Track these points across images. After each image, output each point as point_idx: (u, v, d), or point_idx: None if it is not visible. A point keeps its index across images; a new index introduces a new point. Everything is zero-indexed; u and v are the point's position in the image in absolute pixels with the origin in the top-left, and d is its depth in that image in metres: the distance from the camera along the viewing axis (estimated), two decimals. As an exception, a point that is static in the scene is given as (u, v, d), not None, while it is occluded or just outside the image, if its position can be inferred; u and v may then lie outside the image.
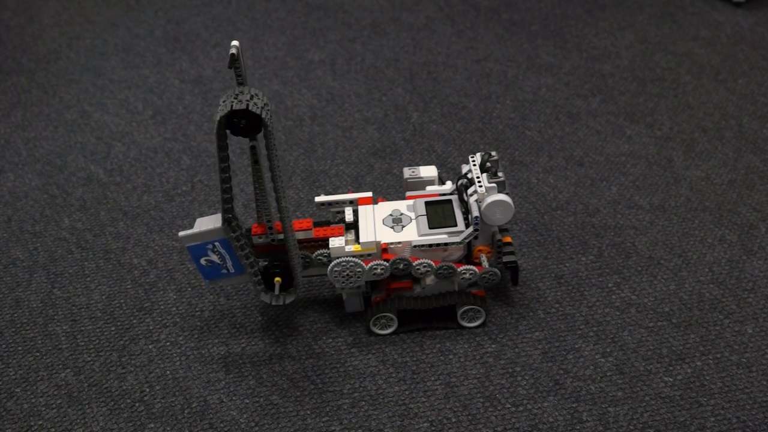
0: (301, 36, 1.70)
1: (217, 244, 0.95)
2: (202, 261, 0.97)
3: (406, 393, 0.97)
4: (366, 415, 0.95)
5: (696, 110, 1.43)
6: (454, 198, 1.03)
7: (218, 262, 0.97)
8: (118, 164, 1.37)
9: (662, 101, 1.46)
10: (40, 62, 1.66)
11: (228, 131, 0.88)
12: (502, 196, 0.96)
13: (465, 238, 0.99)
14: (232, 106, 0.85)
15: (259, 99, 0.87)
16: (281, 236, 1.01)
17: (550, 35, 1.66)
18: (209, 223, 0.95)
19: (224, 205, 0.93)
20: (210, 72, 1.60)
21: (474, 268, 1.00)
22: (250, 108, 0.85)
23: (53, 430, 0.95)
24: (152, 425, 0.95)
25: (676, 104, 1.45)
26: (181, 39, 1.71)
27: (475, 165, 1.00)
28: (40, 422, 0.96)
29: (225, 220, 0.93)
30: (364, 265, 0.98)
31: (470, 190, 1.00)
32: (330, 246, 0.99)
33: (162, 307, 1.10)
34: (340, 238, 1.00)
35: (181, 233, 0.94)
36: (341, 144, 1.39)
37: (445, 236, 0.99)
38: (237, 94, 0.87)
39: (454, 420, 0.94)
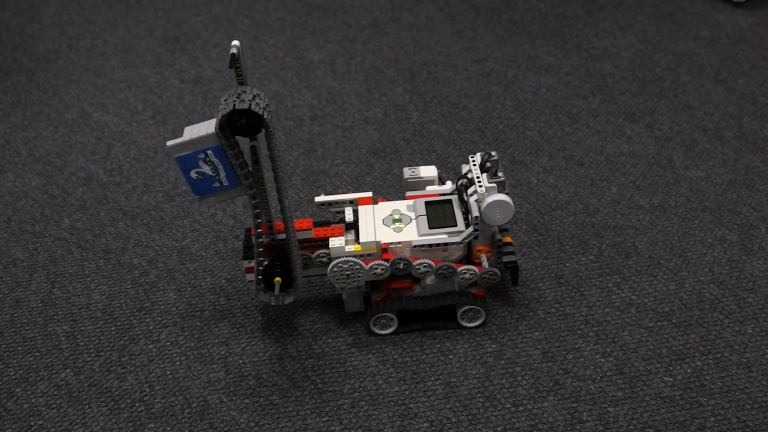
0: (301, 36, 1.70)
1: (209, 152, 0.87)
2: (193, 174, 0.89)
3: (406, 393, 0.97)
4: (366, 415, 0.95)
5: (696, 110, 1.43)
6: (454, 198, 1.03)
7: (210, 174, 0.89)
8: (118, 164, 1.37)
9: (662, 101, 1.46)
10: (40, 62, 1.66)
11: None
12: (502, 196, 0.96)
13: (465, 238, 0.99)
14: (234, 105, 0.85)
15: (255, 96, 0.87)
16: (282, 236, 1.01)
17: (550, 35, 1.66)
18: (201, 129, 0.88)
19: (250, 196, 0.90)
20: (210, 72, 1.60)
21: (474, 268, 1.00)
22: (237, 107, 0.85)
23: (53, 430, 0.95)
24: (152, 425, 0.95)
25: (676, 104, 1.45)
26: (181, 39, 1.71)
27: (475, 165, 1.00)
28: (40, 422, 0.96)
29: (220, 126, 0.86)
30: (364, 265, 0.98)
31: (470, 190, 1.00)
32: (330, 246, 0.99)
33: (162, 307, 1.10)
34: (340, 238, 1.00)
35: (169, 143, 0.87)
36: (341, 144, 1.39)
37: (445, 236, 0.99)
38: (239, 94, 0.87)
39: (454, 420, 0.94)
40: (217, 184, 0.91)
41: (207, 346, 1.04)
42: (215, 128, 0.86)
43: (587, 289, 1.09)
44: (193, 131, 0.88)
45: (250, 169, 0.92)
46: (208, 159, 0.88)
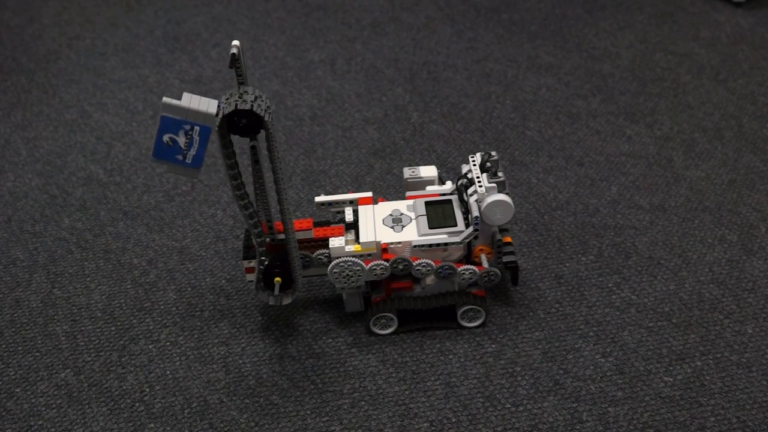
0: (301, 36, 1.70)
1: (197, 128, 0.85)
2: (166, 137, 0.85)
3: (406, 393, 0.97)
4: (366, 415, 0.95)
5: (696, 110, 1.43)
6: (454, 198, 1.03)
7: (181, 146, 0.86)
8: (118, 164, 1.37)
9: (662, 101, 1.46)
10: (40, 62, 1.66)
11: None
12: (502, 196, 0.96)
13: (465, 238, 0.99)
14: (236, 105, 0.85)
15: (257, 98, 0.87)
16: (281, 236, 1.01)
17: (550, 35, 1.66)
18: (202, 104, 0.86)
19: (242, 208, 0.91)
20: (210, 72, 1.60)
21: (474, 268, 1.00)
22: (239, 107, 0.85)
23: (53, 430, 0.95)
24: (152, 425, 0.95)
25: (676, 104, 1.45)
26: (181, 39, 1.71)
27: (475, 165, 1.00)
28: (40, 422, 0.96)
29: (219, 125, 0.86)
30: (364, 265, 0.98)
31: (470, 190, 1.00)
32: (330, 246, 0.99)
33: (162, 307, 1.10)
34: (340, 238, 1.00)
35: (166, 99, 0.84)
36: (341, 144, 1.39)
37: (445, 236, 0.99)
38: (241, 95, 0.87)
39: (454, 420, 0.94)
40: (179, 157, 0.87)
41: (207, 346, 1.04)
42: (215, 113, 0.86)
43: (587, 289, 1.09)
44: (193, 101, 0.85)
45: (236, 162, 0.91)
46: (189, 133, 0.86)
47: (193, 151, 0.87)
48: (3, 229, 1.25)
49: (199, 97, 0.86)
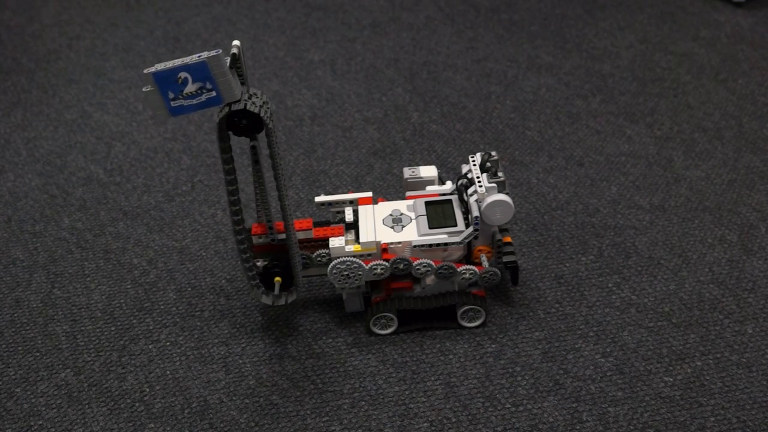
0: (301, 36, 1.70)
1: (213, 94, 0.85)
2: (184, 74, 0.84)
3: (406, 393, 0.97)
4: (366, 415, 0.95)
5: (696, 110, 1.43)
6: (454, 198, 1.03)
7: (185, 92, 0.85)
8: (118, 164, 1.37)
9: (662, 101, 1.46)
10: (40, 62, 1.66)
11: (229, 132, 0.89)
12: (502, 196, 0.96)
13: (465, 238, 0.99)
14: (230, 107, 0.85)
15: (258, 98, 0.87)
16: (281, 236, 1.01)
17: (550, 35, 1.66)
18: (235, 80, 0.86)
19: (232, 207, 0.92)
20: (210, 72, 1.60)
21: (474, 268, 1.00)
22: (248, 108, 0.85)
23: (53, 430, 0.95)
24: (152, 425, 0.95)
25: (676, 104, 1.45)
26: (181, 39, 1.71)
27: (475, 165, 1.01)
28: (40, 422, 0.96)
29: (219, 129, 0.87)
30: (364, 265, 0.98)
31: (470, 190, 1.00)
32: (330, 246, 0.99)
33: (162, 307, 1.10)
34: (340, 238, 1.00)
35: (220, 53, 0.83)
36: (341, 144, 1.39)
37: (445, 236, 0.99)
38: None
39: (454, 420, 0.94)
40: (171, 95, 0.86)
41: (207, 346, 1.04)
42: (239, 98, 0.86)
43: (587, 289, 1.09)
44: (230, 73, 0.85)
45: (236, 175, 0.92)
46: (202, 90, 0.85)
47: (185, 102, 0.86)
48: (3, 229, 1.25)
49: (237, 79, 0.87)
